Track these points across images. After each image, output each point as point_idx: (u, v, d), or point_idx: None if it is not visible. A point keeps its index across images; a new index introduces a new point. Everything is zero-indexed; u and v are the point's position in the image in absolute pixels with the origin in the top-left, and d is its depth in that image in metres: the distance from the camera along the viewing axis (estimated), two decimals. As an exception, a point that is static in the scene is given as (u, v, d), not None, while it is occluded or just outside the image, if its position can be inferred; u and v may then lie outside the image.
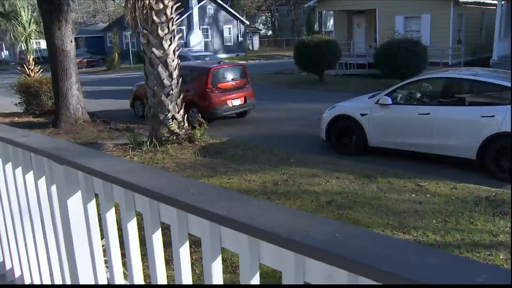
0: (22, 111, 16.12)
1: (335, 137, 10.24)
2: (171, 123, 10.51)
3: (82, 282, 2.21)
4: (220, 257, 1.53)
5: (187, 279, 1.67)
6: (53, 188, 2.28)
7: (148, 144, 10.27)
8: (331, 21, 38.54)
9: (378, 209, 6.57)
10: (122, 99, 18.04)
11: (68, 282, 2.38)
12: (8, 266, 3.17)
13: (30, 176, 2.53)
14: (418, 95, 9.67)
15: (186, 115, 11.07)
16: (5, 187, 2.82)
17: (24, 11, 18.86)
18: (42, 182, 2.43)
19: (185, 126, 10.82)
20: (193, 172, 8.56)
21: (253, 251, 1.38)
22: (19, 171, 2.61)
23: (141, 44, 10.95)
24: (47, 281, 2.75)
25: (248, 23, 51.95)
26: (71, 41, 13.73)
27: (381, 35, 24.49)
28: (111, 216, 1.95)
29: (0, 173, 2.83)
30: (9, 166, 2.71)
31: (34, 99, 15.76)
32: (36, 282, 2.86)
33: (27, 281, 2.96)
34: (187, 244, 1.64)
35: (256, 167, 8.84)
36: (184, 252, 1.64)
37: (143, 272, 1.95)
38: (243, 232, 1.35)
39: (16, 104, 16.27)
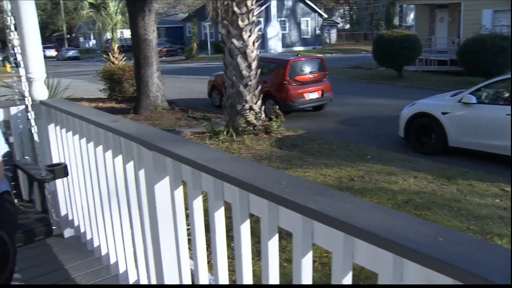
0: (106, 97, 16.81)
1: (414, 135, 9.91)
2: (248, 114, 10.58)
3: (165, 267, 2.25)
4: (310, 254, 1.48)
5: (274, 274, 1.64)
6: (141, 172, 2.33)
7: (224, 133, 10.40)
8: (412, 15, 37.39)
9: (458, 212, 6.28)
10: (199, 88, 18.38)
11: (152, 266, 2.43)
12: (95, 243, 3.31)
13: (119, 159, 2.60)
14: (506, 94, 9.15)
15: (263, 106, 11.11)
16: (96, 168, 2.92)
17: (112, 2, 19.63)
18: (130, 166, 2.49)
19: (261, 117, 10.86)
20: (269, 164, 8.57)
21: (348, 250, 1.33)
22: (109, 154, 2.70)
23: (221, 35, 11.07)
24: (131, 262, 2.84)
25: (326, 16, 51.37)
26: (153, 31, 14.12)
27: (466, 30, 23.39)
28: (198, 204, 1.95)
29: (92, 155, 2.94)
30: (100, 149, 2.81)
31: (117, 85, 16.39)
32: (121, 261, 2.95)
33: (112, 260, 3.07)
34: (276, 237, 1.61)
35: (332, 161, 8.72)
36: (273, 246, 1.61)
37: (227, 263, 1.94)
38: (339, 229, 1.30)
39: (100, 90, 17.00)
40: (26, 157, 3.28)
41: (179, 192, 2.06)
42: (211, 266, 1.96)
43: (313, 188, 1.50)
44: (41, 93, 3.65)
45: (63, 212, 3.77)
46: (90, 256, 3.43)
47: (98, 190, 2.95)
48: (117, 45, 19.48)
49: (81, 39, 62.05)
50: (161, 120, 12.99)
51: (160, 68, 14.63)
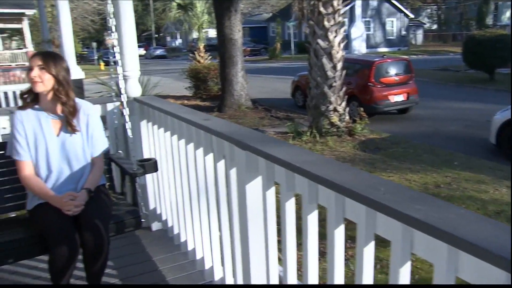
0: (191, 95, 17.26)
1: (506, 142, 9.36)
2: (332, 115, 10.48)
3: (252, 267, 2.25)
4: (409, 264, 1.42)
5: (368, 281, 1.59)
6: (232, 171, 2.35)
7: (308, 134, 10.37)
8: (508, 14, 35.34)
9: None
10: (282, 88, 18.43)
11: (239, 265, 2.45)
12: (182, 238, 3.38)
13: (210, 157, 2.65)
14: None
15: (347, 108, 10.96)
16: (186, 165, 2.99)
17: (199, 3, 20.13)
18: (221, 164, 2.52)
19: (345, 118, 10.72)
20: (352, 166, 8.42)
21: (451, 263, 1.26)
22: (200, 151, 2.75)
23: (305, 35, 11.03)
24: (217, 259, 2.87)
25: (412, 16, 49.82)
26: (239, 30, 14.32)
27: None
28: (290, 206, 1.94)
29: (183, 152, 3.01)
30: (191, 146, 2.87)
31: (202, 84, 16.79)
32: (207, 257, 3.00)
33: (199, 256, 3.13)
34: (372, 244, 1.56)
35: (417, 166, 8.44)
36: (368, 252, 1.56)
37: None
38: (442, 240, 1.24)
39: (186, 88, 17.49)
40: (120, 151, 3.41)
41: (271, 193, 2.06)
42: (300, 268, 1.94)
43: (413, 195, 1.44)
44: (135, 90, 3.79)
45: (151, 206, 3.89)
46: (176, 250, 3.52)
47: (188, 186, 3.02)
48: (203, 44, 19.94)
49: (168, 39, 64.19)
50: (244, 119, 13.15)
51: (244, 67, 14.82)
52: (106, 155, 3.02)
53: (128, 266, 3.40)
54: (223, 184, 2.54)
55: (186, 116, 2.79)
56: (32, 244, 2.64)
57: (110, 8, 2.87)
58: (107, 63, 36.68)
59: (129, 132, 2.99)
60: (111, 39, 2.94)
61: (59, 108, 2.80)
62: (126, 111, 3.01)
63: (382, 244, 1.70)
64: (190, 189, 2.98)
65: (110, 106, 3.80)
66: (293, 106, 15.36)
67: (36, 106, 2.79)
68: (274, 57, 38.88)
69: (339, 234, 1.68)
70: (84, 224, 2.54)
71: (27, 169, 2.76)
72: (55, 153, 2.77)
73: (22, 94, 2.87)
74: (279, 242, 2.10)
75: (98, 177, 2.88)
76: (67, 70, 2.80)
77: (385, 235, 1.48)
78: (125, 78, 3.75)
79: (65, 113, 2.78)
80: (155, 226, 3.93)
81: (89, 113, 2.88)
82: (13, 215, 3.30)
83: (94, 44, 44.33)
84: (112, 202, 2.94)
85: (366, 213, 1.50)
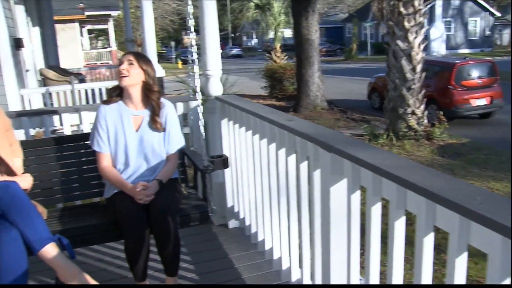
0: (266, 94, 17.37)
1: None
2: (410, 118, 10.20)
3: (333, 273, 2.23)
4: (509, 280, 1.35)
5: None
6: (316, 173, 2.33)
7: (384, 137, 10.15)
8: None
9: None
10: (358, 89, 18.15)
11: (318, 268, 2.43)
12: (260, 237, 3.40)
13: (292, 158, 2.64)
14: None
15: (425, 111, 10.62)
16: (267, 165, 3.00)
17: (276, 3, 20.22)
18: (304, 165, 2.51)
19: (424, 122, 10.40)
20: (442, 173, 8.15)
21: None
22: (282, 152, 2.75)
23: (383, 36, 10.79)
24: (295, 260, 2.87)
25: (499, 14, 47.44)
26: (316, 31, 14.24)
27: None
28: (376, 211, 1.90)
29: (264, 152, 3.03)
30: (273, 146, 2.88)
31: (277, 84, 16.85)
32: (285, 258, 3.00)
33: (276, 256, 3.13)
34: (465, 255, 1.50)
35: (501, 174, 8.03)
36: (460, 264, 1.50)
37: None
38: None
39: (262, 88, 17.61)
40: (194, 147, 3.50)
41: (356, 196, 2.03)
42: (384, 277, 1.90)
43: (513, 206, 1.37)
44: (217, 89, 3.86)
45: (229, 204, 3.94)
46: (252, 249, 3.54)
47: (268, 186, 3.03)
48: (279, 44, 20.00)
49: (244, 38, 64.91)
50: (320, 120, 13.06)
51: (321, 68, 14.72)
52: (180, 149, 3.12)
53: (205, 262, 3.46)
54: (305, 185, 2.52)
55: (269, 116, 2.80)
56: (109, 230, 2.82)
57: (190, 9, 2.95)
58: (184, 62, 37.65)
59: (202, 129, 3.07)
60: (190, 38, 3.01)
61: (141, 105, 2.94)
62: (200, 109, 3.08)
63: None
64: (270, 189, 2.99)
65: (192, 104, 3.89)
66: (369, 108, 15.09)
67: (120, 102, 2.95)
68: (350, 58, 38.32)
69: (428, 242, 1.63)
70: (153, 211, 2.68)
71: (105, 161, 2.94)
72: (133, 148, 2.91)
73: (110, 89, 3.05)
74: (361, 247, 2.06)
75: (170, 172, 3.01)
76: (154, 71, 2.96)
77: (481, 247, 1.41)
78: (207, 77, 3.84)
79: (151, 109, 2.92)
80: (232, 224, 3.98)
81: (167, 111, 2.99)
82: (97, 200, 3.49)
83: (173, 43, 45.65)
84: (182, 194, 3.06)
85: (459, 222, 1.45)
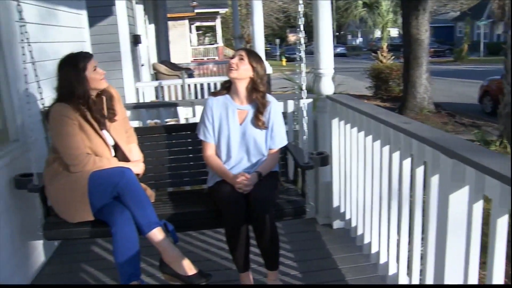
0: (371, 94, 17.04)
1: None
2: (526, 125, 9.51)
3: (446, 282, 2.14)
4: None
5: None
6: (434, 179, 2.25)
7: (497, 144, 9.55)
8: None
9: None
10: (468, 92, 17.26)
11: (429, 277, 2.34)
12: (366, 240, 3.35)
13: (407, 162, 2.57)
14: None
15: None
16: (379, 167, 2.95)
17: (385, 1, 19.74)
18: (420, 170, 2.43)
19: (544, 130, 9.66)
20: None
21: None
22: (396, 155, 2.68)
23: (503, 35, 10.15)
24: (403, 266, 2.79)
25: None
26: (426, 30, 13.70)
27: None
28: (502, 223, 1.79)
29: (377, 154, 2.98)
30: (386, 149, 2.82)
31: (383, 84, 16.46)
32: (392, 263, 2.93)
33: (382, 260, 3.07)
34: None
35: None
36: None
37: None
38: None
39: (366, 88, 17.30)
40: (295, 142, 3.51)
41: (479, 206, 1.93)
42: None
43: None
44: (328, 88, 3.85)
45: (335, 204, 3.91)
46: (357, 251, 3.50)
47: (379, 189, 2.97)
48: (386, 44, 19.52)
49: (349, 37, 64.04)
50: (426, 123, 12.48)
51: (429, 69, 14.16)
52: None
53: (308, 261, 3.48)
54: (420, 191, 2.45)
55: (384, 118, 2.75)
56: (210, 217, 2.95)
57: (300, 8, 2.96)
58: (289, 59, 37.92)
59: (305, 127, 3.07)
60: (299, 37, 3.00)
61: (246, 100, 3.03)
62: (305, 107, 3.10)
63: None
64: (381, 192, 2.94)
65: (302, 102, 3.90)
66: (479, 113, 14.26)
67: (227, 95, 3.07)
68: (460, 59, 36.43)
69: None
70: (252, 201, 2.77)
71: (210, 150, 3.08)
72: (236, 141, 3.02)
73: (223, 83, 3.17)
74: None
75: (271, 166, 3.08)
76: (264, 70, 3.04)
77: None
78: (319, 76, 3.85)
79: (255, 107, 3.02)
80: (337, 224, 3.96)
81: (272, 108, 3.05)
82: (196, 189, 3.63)
83: (277, 41, 46.07)
84: (280, 188, 3.13)
85: None
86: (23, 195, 3.06)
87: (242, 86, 2.98)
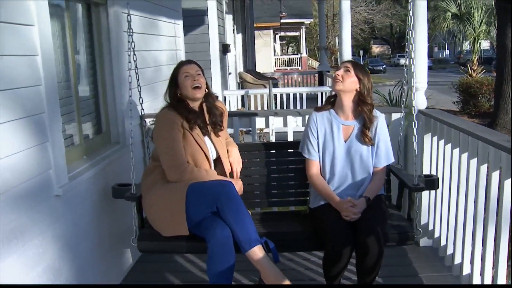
0: (458, 109, 16.41)
1: None
2: None
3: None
4: None
5: None
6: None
7: None
8: None
9: None
10: None
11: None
12: (456, 261, 3.25)
13: (508, 182, 2.48)
14: None
15: None
16: (475, 186, 2.86)
17: (478, 12, 18.97)
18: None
19: None
20: None
21: None
22: (496, 174, 2.60)
23: None
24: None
25: None
26: (524, 43, 13.02)
27: None
28: None
29: (472, 172, 2.89)
30: (484, 167, 2.75)
31: (471, 99, 15.79)
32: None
33: (474, 282, 2.96)
34: None
35: None
36: None
37: None
38: None
39: (453, 103, 16.69)
40: (400, 164, 3.41)
41: None
42: None
43: None
44: (422, 102, 3.78)
45: (423, 221, 3.82)
46: (446, 271, 3.40)
47: (473, 209, 2.88)
48: (476, 57, 18.74)
49: (435, 49, 62.08)
50: (518, 141, 11.93)
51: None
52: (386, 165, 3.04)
53: (393, 277, 3.41)
54: (508, 207, 2.36)
55: (483, 135, 2.67)
56: (308, 239, 2.86)
57: (411, 21, 2.91)
58: (372, 71, 37.35)
59: (415, 146, 2.91)
60: (407, 51, 2.98)
61: (352, 115, 2.92)
62: (415, 124, 2.92)
63: None
64: (476, 212, 2.84)
65: (394, 116, 3.85)
66: None
67: (331, 110, 2.96)
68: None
69: None
70: (362, 229, 2.61)
71: (314, 168, 2.97)
72: (340, 158, 2.90)
73: (328, 97, 3.09)
74: None
75: (378, 187, 2.93)
76: (371, 83, 2.92)
77: None
78: (413, 89, 3.77)
79: (361, 121, 2.90)
80: (424, 242, 3.86)
81: (379, 124, 2.92)
82: (293, 209, 3.63)
83: (361, 52, 45.52)
84: (388, 213, 2.93)
85: None
86: (116, 201, 3.09)
87: (347, 100, 2.88)
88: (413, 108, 2.99)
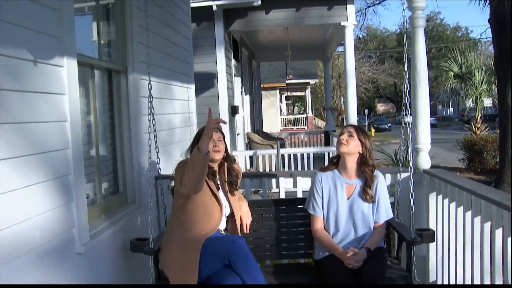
0: (463, 167, 16.50)
1: None
2: None
3: None
4: None
5: None
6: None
7: None
8: None
9: None
10: None
11: None
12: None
13: (509, 240, 2.58)
14: None
15: None
16: (480, 243, 2.95)
17: (478, 72, 19.40)
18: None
19: None
20: None
21: None
22: (499, 232, 2.69)
23: None
24: None
25: None
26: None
27: None
28: None
29: (477, 230, 2.99)
30: (487, 225, 2.84)
31: (477, 156, 15.90)
32: None
33: None
34: None
35: None
36: None
37: None
38: None
39: (459, 160, 16.80)
40: (398, 218, 3.56)
41: None
42: None
43: None
44: (425, 162, 3.93)
45: (431, 278, 3.88)
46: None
47: (480, 266, 2.96)
48: (479, 115, 19.00)
49: (439, 107, 62.80)
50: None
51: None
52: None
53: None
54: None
55: (485, 194, 2.79)
56: None
57: (406, 88, 3.17)
58: (377, 130, 37.69)
59: (412, 202, 3.12)
60: (406, 116, 3.18)
61: (354, 175, 3.19)
62: (411, 182, 3.17)
63: None
64: (482, 269, 2.92)
65: (399, 176, 3.99)
66: None
67: (335, 170, 3.24)
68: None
69: None
70: (363, 278, 2.85)
71: (318, 223, 3.22)
72: (343, 215, 3.15)
73: (332, 158, 3.37)
74: None
75: (378, 241, 3.17)
76: (371, 145, 3.22)
77: None
78: (416, 151, 3.95)
79: (363, 180, 3.16)
80: (433, 299, 3.90)
81: (379, 183, 3.18)
82: (302, 262, 3.74)
83: (366, 111, 46.10)
84: (387, 264, 3.18)
85: None
86: (134, 255, 3.25)
87: (351, 161, 3.15)
88: (409, 167, 3.24)
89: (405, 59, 3.21)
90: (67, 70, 2.68)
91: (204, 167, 2.80)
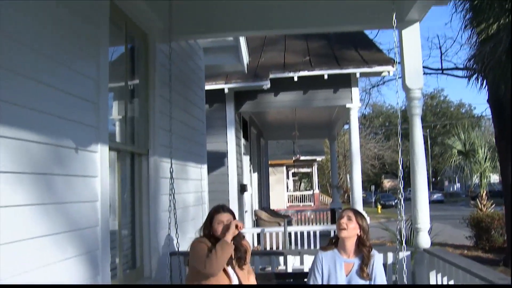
0: (471, 245, 16.46)
1: None
2: None
3: None
4: None
5: None
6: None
7: None
8: None
9: None
10: None
11: None
12: None
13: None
14: None
15: None
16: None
17: (481, 149, 19.76)
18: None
19: None
20: None
21: None
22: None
23: None
24: None
25: None
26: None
27: None
28: None
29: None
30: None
31: (484, 234, 15.87)
32: None
33: None
34: None
35: None
36: None
37: None
38: None
39: (466, 238, 16.76)
40: None
41: None
42: None
43: None
44: (425, 241, 4.15)
45: None
46: None
47: None
48: (484, 192, 19.12)
49: (446, 183, 62.83)
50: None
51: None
52: None
53: None
54: None
55: (479, 273, 2.99)
56: None
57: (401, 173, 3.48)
58: (383, 206, 37.59)
59: (405, 279, 3.49)
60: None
61: (353, 254, 3.45)
62: (404, 260, 3.57)
63: None
64: None
65: (401, 254, 4.20)
66: None
67: (335, 250, 3.51)
68: None
69: None
70: None
71: None
72: None
73: (331, 239, 3.66)
74: None
75: None
76: (368, 226, 3.51)
77: None
78: (417, 230, 4.19)
79: (360, 259, 3.41)
80: None
81: (375, 261, 3.43)
82: None
83: (372, 187, 46.23)
84: None
85: None
86: None
87: (350, 242, 3.43)
88: (403, 247, 3.64)
89: (399, 147, 3.54)
90: (100, 155, 3.04)
91: (230, 254, 3.20)
